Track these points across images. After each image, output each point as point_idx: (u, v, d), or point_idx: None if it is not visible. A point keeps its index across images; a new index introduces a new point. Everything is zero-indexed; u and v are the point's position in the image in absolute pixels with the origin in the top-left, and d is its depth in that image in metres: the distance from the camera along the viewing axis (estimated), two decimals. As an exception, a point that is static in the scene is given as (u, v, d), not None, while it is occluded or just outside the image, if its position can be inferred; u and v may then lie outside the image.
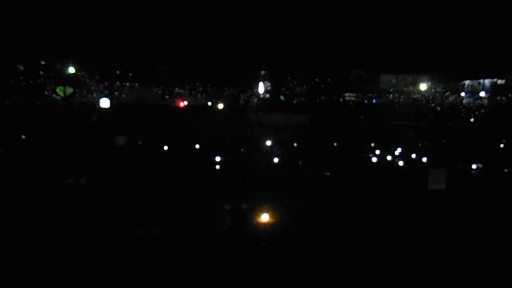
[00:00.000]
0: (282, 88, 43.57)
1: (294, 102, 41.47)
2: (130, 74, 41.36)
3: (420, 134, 24.18)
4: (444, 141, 22.76)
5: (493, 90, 44.12)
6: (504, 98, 42.07)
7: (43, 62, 37.57)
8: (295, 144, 20.06)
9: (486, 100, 43.40)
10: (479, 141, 21.16)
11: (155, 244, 7.38)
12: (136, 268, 6.40)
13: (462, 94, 45.82)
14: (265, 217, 8.67)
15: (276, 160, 16.17)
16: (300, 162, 16.12)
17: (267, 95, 41.76)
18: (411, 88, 45.70)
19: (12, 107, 29.50)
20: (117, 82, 40.13)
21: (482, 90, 44.75)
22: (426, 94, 44.46)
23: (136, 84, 40.73)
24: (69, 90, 32.98)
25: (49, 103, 32.83)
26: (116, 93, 38.02)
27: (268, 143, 19.16)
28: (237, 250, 7.19)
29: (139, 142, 18.60)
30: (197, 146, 18.34)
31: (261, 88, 40.32)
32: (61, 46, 34.97)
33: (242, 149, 17.57)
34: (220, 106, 33.17)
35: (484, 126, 30.77)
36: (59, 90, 32.92)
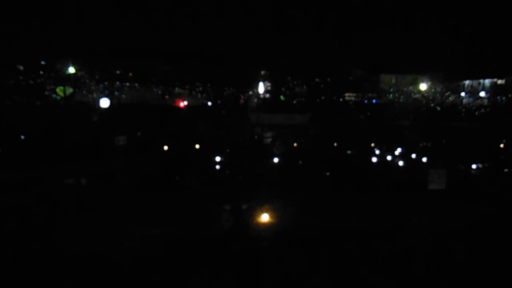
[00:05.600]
0: (282, 88, 43.61)
1: (294, 102, 41.57)
2: (130, 74, 41.40)
3: (420, 134, 24.19)
4: (444, 141, 22.75)
5: (493, 90, 44.14)
6: (504, 98, 42.12)
7: (43, 62, 37.58)
8: (295, 144, 20.06)
9: (486, 100, 43.45)
10: (479, 141, 21.15)
11: (155, 244, 7.38)
12: (136, 268, 6.39)
13: (462, 94, 45.85)
14: (265, 217, 8.65)
15: (276, 160, 16.16)
16: (300, 162, 16.11)
17: (267, 95, 41.84)
18: (411, 88, 45.72)
19: (12, 107, 29.52)
20: (117, 82, 40.18)
21: (482, 90, 44.77)
22: (426, 94, 44.51)
23: (136, 84, 40.78)
24: (69, 90, 33.11)
25: (49, 103, 32.88)
26: (116, 93, 38.10)
27: (268, 143, 19.17)
28: (237, 250, 7.18)
29: (139, 139, 18.59)
30: (197, 146, 18.34)
31: (261, 88, 40.41)
32: (61, 46, 34.95)
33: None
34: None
35: (484, 126, 30.76)
36: (59, 90, 33.02)
